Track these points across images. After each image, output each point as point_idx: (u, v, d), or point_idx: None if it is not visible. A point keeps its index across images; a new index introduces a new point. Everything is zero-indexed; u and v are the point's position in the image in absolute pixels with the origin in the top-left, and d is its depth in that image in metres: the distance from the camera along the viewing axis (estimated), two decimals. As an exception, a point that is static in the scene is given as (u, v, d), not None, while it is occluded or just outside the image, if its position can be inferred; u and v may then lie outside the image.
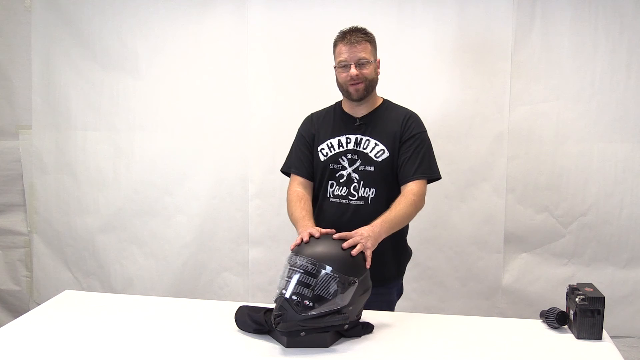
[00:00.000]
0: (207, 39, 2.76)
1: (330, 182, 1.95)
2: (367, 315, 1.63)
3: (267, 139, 2.74)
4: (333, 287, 1.48)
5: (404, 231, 1.99)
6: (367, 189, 1.90)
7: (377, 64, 1.93)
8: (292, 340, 1.48)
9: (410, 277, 2.37)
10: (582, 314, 1.54)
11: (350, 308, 1.50)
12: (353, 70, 1.85)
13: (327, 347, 1.49)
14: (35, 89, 2.94)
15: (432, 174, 1.92)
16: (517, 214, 2.65)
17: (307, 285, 1.47)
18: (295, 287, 1.48)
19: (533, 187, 2.63)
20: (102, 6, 2.83)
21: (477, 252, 2.68)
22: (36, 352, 1.47)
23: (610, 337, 1.57)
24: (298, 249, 1.57)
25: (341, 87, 1.93)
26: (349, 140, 1.94)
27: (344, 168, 1.93)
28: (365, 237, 1.60)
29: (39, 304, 1.89)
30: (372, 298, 1.62)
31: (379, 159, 1.90)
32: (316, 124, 2.02)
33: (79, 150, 2.95)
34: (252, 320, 1.56)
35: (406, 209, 1.79)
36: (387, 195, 1.89)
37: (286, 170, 2.05)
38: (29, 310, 2.03)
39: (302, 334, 1.46)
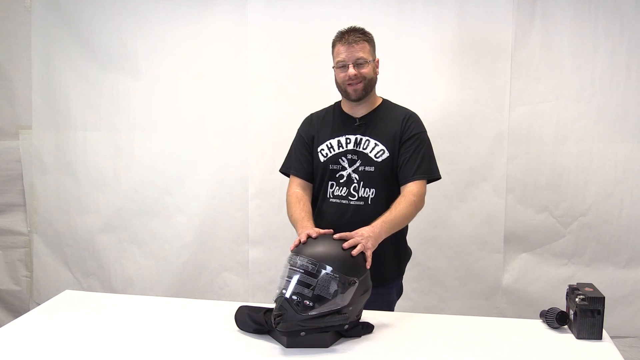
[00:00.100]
0: (207, 39, 2.76)
1: (330, 183, 1.94)
2: (367, 315, 1.63)
3: (267, 139, 2.74)
4: (333, 287, 1.48)
5: (403, 231, 1.99)
6: (367, 189, 1.90)
7: (376, 64, 1.93)
8: (292, 340, 1.48)
9: (410, 277, 2.37)
10: (582, 314, 1.54)
11: (351, 308, 1.50)
12: (351, 70, 1.85)
13: (327, 347, 1.49)
14: (35, 89, 2.94)
15: (432, 174, 1.91)
16: (517, 214, 2.65)
17: (307, 285, 1.47)
18: (295, 287, 1.48)
19: (533, 187, 2.63)
20: (102, 6, 2.83)
21: (477, 252, 2.68)
22: (36, 352, 1.47)
23: (610, 337, 1.57)
24: (298, 249, 1.57)
25: (340, 87, 1.93)
26: (348, 141, 1.94)
27: (343, 168, 1.93)
28: (365, 238, 1.60)
29: (39, 304, 1.89)
30: (372, 298, 1.62)
31: (379, 159, 1.90)
32: (316, 125, 2.02)
33: (79, 150, 2.95)
34: (252, 320, 1.56)
35: (406, 209, 1.79)
36: (387, 196, 1.89)
37: (285, 171, 2.06)
38: (29, 310, 2.03)
39: (302, 334, 1.46)
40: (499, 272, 2.68)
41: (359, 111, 1.95)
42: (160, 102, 2.84)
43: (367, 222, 1.71)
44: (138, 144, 2.89)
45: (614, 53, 2.53)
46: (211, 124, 2.81)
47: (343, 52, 1.87)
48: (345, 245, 1.56)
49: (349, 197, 1.91)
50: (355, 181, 1.91)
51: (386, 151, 1.90)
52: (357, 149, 1.92)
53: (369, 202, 1.89)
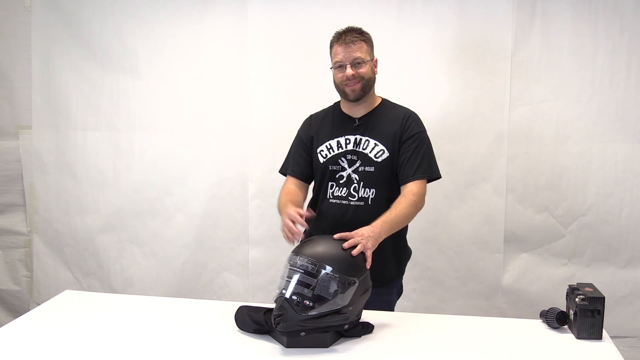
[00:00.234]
0: (207, 39, 2.76)
1: (330, 184, 1.94)
2: (367, 315, 1.63)
3: (267, 139, 2.74)
4: (333, 287, 1.48)
5: (403, 231, 1.99)
6: (367, 189, 1.90)
7: (374, 63, 1.93)
8: (292, 340, 1.48)
9: (410, 277, 2.37)
10: (582, 314, 1.54)
11: (350, 308, 1.50)
12: (349, 71, 1.85)
13: (327, 347, 1.49)
14: (35, 89, 2.94)
15: (432, 174, 1.91)
16: (517, 214, 2.65)
17: (307, 285, 1.47)
18: (295, 287, 1.48)
19: (533, 187, 2.63)
20: (102, 6, 2.83)
21: (477, 252, 2.68)
22: (36, 352, 1.47)
23: (610, 337, 1.57)
24: (298, 249, 1.57)
25: (338, 88, 1.93)
26: (348, 141, 1.94)
27: (343, 169, 1.93)
28: (365, 238, 1.60)
29: (39, 304, 1.89)
30: (372, 298, 1.62)
31: (379, 159, 1.90)
32: (315, 126, 2.02)
33: (79, 150, 2.95)
34: (252, 320, 1.56)
35: (406, 209, 1.79)
36: (387, 196, 1.89)
37: (283, 171, 2.07)
38: (29, 310, 2.03)
39: (302, 334, 1.46)
40: (499, 272, 2.68)
41: (358, 111, 1.95)
42: (160, 102, 2.84)
43: (367, 223, 1.70)
44: (138, 144, 2.89)
45: (614, 53, 2.53)
46: (211, 124, 2.81)
47: (340, 52, 1.87)
48: (345, 245, 1.56)
49: (349, 198, 1.91)
50: (355, 181, 1.91)
51: (386, 151, 1.89)
52: (357, 149, 1.92)
53: (369, 203, 1.89)
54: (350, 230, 1.63)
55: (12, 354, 1.46)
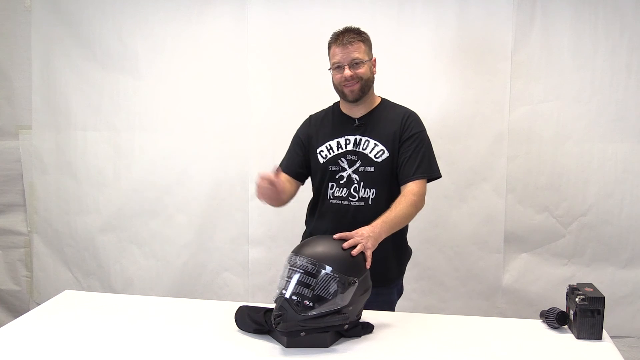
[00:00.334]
0: (207, 39, 2.76)
1: (330, 184, 1.94)
2: (368, 315, 1.63)
3: (267, 139, 2.74)
4: (333, 287, 1.48)
5: (404, 230, 1.99)
6: (367, 189, 1.90)
7: (372, 63, 1.93)
8: (292, 340, 1.48)
9: (410, 277, 2.37)
10: (582, 314, 1.54)
11: (350, 308, 1.50)
12: (347, 72, 1.85)
13: (327, 347, 1.49)
14: (35, 89, 2.94)
15: (432, 173, 1.91)
16: (517, 214, 2.65)
17: (307, 285, 1.47)
18: (295, 287, 1.48)
19: (533, 187, 2.63)
20: (102, 6, 2.83)
21: (477, 252, 2.68)
22: (36, 352, 1.47)
23: (610, 337, 1.57)
24: (298, 249, 1.57)
25: (337, 88, 1.93)
26: (348, 142, 1.93)
27: (343, 169, 1.93)
28: (365, 238, 1.60)
29: (39, 304, 1.89)
30: (373, 298, 1.62)
31: (379, 160, 1.90)
32: (314, 126, 2.02)
33: (79, 150, 2.95)
34: (252, 320, 1.56)
35: (406, 209, 1.79)
36: (387, 196, 1.88)
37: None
38: (29, 310, 2.03)
39: (302, 334, 1.46)
40: (499, 272, 2.68)
41: (357, 111, 1.95)
42: (160, 102, 2.84)
43: (368, 223, 1.70)
44: (138, 144, 2.89)
45: (614, 53, 2.53)
46: (211, 124, 2.81)
47: (338, 53, 1.86)
48: (345, 245, 1.56)
49: (350, 198, 1.91)
50: (356, 182, 1.91)
51: (386, 151, 1.89)
52: (357, 149, 1.92)
53: (370, 203, 1.89)
54: (351, 231, 1.63)
55: (12, 354, 1.46)
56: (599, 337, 1.54)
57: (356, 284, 1.51)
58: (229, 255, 2.87)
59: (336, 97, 2.02)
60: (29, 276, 3.09)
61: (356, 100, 1.90)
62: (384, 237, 1.69)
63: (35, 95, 2.94)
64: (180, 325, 1.64)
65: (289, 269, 1.52)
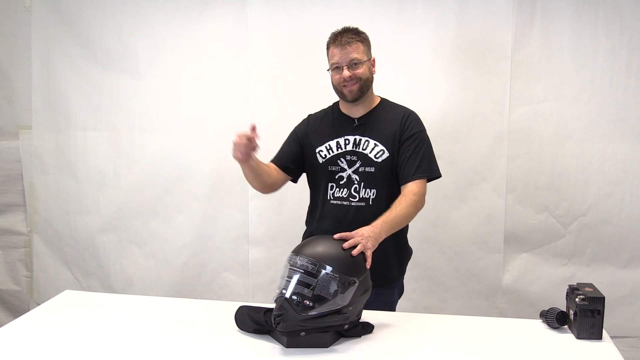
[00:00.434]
0: (207, 39, 2.76)
1: (330, 185, 1.94)
2: (368, 315, 1.63)
3: (267, 139, 2.69)
4: (333, 287, 1.48)
5: (404, 230, 1.99)
6: (368, 190, 1.90)
7: (371, 63, 1.92)
8: (292, 340, 1.48)
9: (410, 277, 2.37)
10: (582, 314, 1.54)
11: (350, 308, 1.50)
12: (346, 72, 1.85)
13: (327, 347, 1.49)
14: (35, 89, 2.94)
15: (432, 173, 1.91)
16: (517, 214, 2.65)
17: (307, 285, 1.47)
18: (295, 287, 1.48)
19: (533, 187, 2.63)
20: (102, 6, 2.83)
21: (477, 252, 2.68)
22: (36, 352, 1.47)
23: (610, 337, 1.57)
24: (298, 249, 1.57)
25: (336, 89, 1.93)
26: (347, 142, 1.93)
27: (343, 170, 1.93)
28: (365, 238, 1.60)
29: (39, 304, 1.89)
30: (374, 298, 1.62)
31: (379, 160, 1.89)
32: (312, 125, 2.02)
33: (79, 150, 2.95)
34: (252, 320, 1.56)
35: (407, 209, 1.79)
36: (388, 196, 1.88)
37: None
38: (29, 310, 2.03)
39: (302, 334, 1.46)
40: (499, 272, 2.68)
41: (357, 111, 1.95)
42: (160, 102, 2.84)
43: (368, 223, 1.70)
44: (138, 144, 2.89)
45: (614, 53, 2.53)
46: (211, 124, 2.81)
47: (337, 54, 1.86)
48: (345, 245, 1.56)
49: (350, 199, 1.91)
50: (356, 182, 1.91)
51: (386, 151, 1.89)
52: (357, 149, 1.92)
53: (370, 203, 1.89)
54: (351, 231, 1.63)
55: (12, 354, 1.46)
56: (599, 337, 1.54)
57: (356, 284, 1.51)
58: (229, 255, 2.87)
59: (336, 97, 2.02)
60: (29, 276, 3.09)
61: (355, 100, 1.90)
62: (384, 237, 1.69)
63: (35, 95, 2.94)
64: (180, 325, 1.64)
65: (289, 268, 1.52)
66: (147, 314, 1.74)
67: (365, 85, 1.89)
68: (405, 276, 2.07)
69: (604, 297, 1.55)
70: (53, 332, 1.59)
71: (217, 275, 2.90)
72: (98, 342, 1.53)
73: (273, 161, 2.02)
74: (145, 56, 2.83)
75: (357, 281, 1.51)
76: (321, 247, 1.55)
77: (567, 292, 1.65)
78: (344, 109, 1.98)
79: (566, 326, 1.62)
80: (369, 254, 1.59)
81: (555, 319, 1.61)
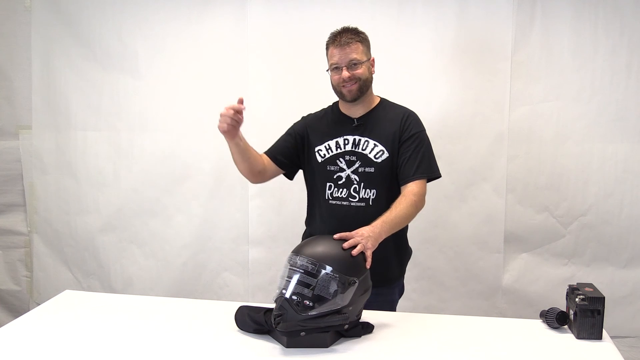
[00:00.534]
0: (207, 39, 2.76)
1: (328, 184, 1.94)
2: (368, 315, 1.63)
3: (267, 139, 2.72)
4: (333, 287, 1.48)
5: (404, 230, 1.99)
6: (367, 190, 1.90)
7: (371, 63, 1.92)
8: (292, 340, 1.48)
9: (410, 277, 2.37)
10: (582, 314, 1.54)
11: (350, 308, 1.50)
12: (345, 73, 1.84)
13: (327, 347, 1.49)
14: (35, 89, 2.94)
15: (432, 173, 1.91)
16: (517, 214, 2.65)
17: (307, 285, 1.47)
18: (295, 287, 1.48)
19: (533, 187, 2.63)
20: (102, 6, 2.83)
21: (477, 252, 2.68)
22: (36, 352, 1.47)
23: (610, 337, 1.57)
24: (298, 249, 1.57)
25: (335, 89, 1.93)
26: (347, 142, 1.93)
27: (342, 170, 1.92)
28: (365, 238, 1.60)
29: (39, 304, 1.89)
30: (374, 298, 1.62)
31: (379, 160, 1.89)
32: (311, 124, 2.02)
33: (79, 150, 2.95)
34: (252, 320, 1.56)
35: (407, 209, 1.79)
36: (388, 196, 1.88)
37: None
38: (29, 310, 2.03)
39: (302, 334, 1.46)
40: (499, 272, 2.68)
41: (356, 111, 1.95)
42: (160, 102, 2.84)
43: (368, 223, 1.70)
44: (138, 144, 2.89)
45: (614, 53, 2.53)
46: (211, 124, 2.77)
47: (336, 54, 1.86)
48: (345, 245, 1.56)
49: (350, 199, 1.91)
50: (356, 182, 1.91)
51: (386, 152, 1.89)
52: (356, 149, 1.92)
53: (370, 203, 1.89)
54: (351, 231, 1.63)
55: (12, 354, 1.46)
56: (599, 337, 1.54)
57: (356, 284, 1.51)
58: (229, 255, 2.87)
59: (336, 97, 2.01)
60: (29, 276, 3.09)
61: (354, 100, 1.90)
62: (384, 237, 1.69)
63: (35, 95, 2.94)
64: (180, 325, 1.64)
65: (289, 268, 1.52)
66: (147, 314, 1.74)
67: (364, 85, 1.89)
68: (405, 276, 2.07)
69: (604, 297, 1.55)
70: (53, 332, 1.59)
71: (217, 275, 2.90)
72: (98, 342, 1.52)
73: (265, 152, 2.02)
74: (145, 56, 2.83)
75: (357, 281, 1.51)
76: (321, 247, 1.55)
77: (567, 292, 1.65)
78: (344, 108, 1.98)
79: (566, 326, 1.62)
80: (369, 254, 1.59)
81: (555, 319, 1.61)
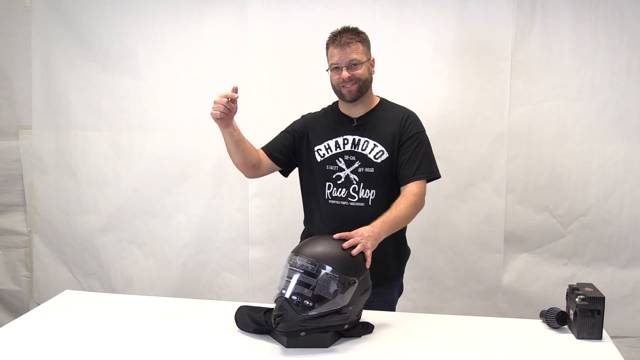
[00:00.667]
0: (207, 39, 2.76)
1: (327, 184, 1.94)
2: (368, 315, 1.63)
3: (267, 139, 2.72)
4: (333, 287, 1.48)
5: (403, 230, 1.99)
6: (367, 190, 1.90)
7: (371, 63, 1.92)
8: (292, 340, 1.48)
9: (410, 277, 2.38)
10: (582, 314, 1.54)
11: (350, 308, 1.50)
12: (345, 73, 1.84)
13: (327, 347, 1.49)
14: (35, 89, 2.94)
15: (432, 174, 1.91)
16: (517, 214, 2.65)
17: (307, 285, 1.47)
18: (295, 287, 1.48)
19: (533, 187, 2.63)
20: (102, 6, 2.83)
21: (477, 252, 2.68)
22: (36, 352, 1.47)
23: (610, 337, 1.57)
24: (298, 249, 1.57)
25: (335, 89, 1.93)
26: (346, 142, 1.93)
27: (341, 169, 1.92)
28: (365, 237, 1.60)
29: (39, 304, 1.89)
30: (374, 298, 1.62)
31: (379, 160, 1.89)
32: (310, 123, 2.02)
33: (79, 150, 2.95)
34: (252, 320, 1.56)
35: (406, 209, 1.79)
36: (387, 196, 1.88)
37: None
38: (29, 310, 2.03)
39: (302, 334, 1.46)
40: (499, 272, 2.68)
41: (356, 111, 1.95)
42: (160, 102, 2.84)
43: (368, 223, 1.70)
44: (138, 144, 2.89)
45: (614, 53, 2.53)
46: (211, 124, 2.77)
47: (336, 54, 1.86)
48: (345, 245, 1.56)
49: (349, 199, 1.91)
50: (355, 182, 1.90)
51: (385, 152, 1.89)
52: (356, 149, 1.92)
53: (370, 203, 1.89)
54: (351, 231, 1.63)
55: (12, 354, 1.46)
56: (599, 337, 1.54)
57: (356, 284, 1.51)
58: (229, 255, 2.87)
59: (336, 97, 2.01)
60: (29, 276, 3.09)
61: (354, 100, 1.90)
62: (383, 237, 1.69)
63: (35, 95, 2.94)
64: (180, 325, 1.64)
65: (289, 268, 1.52)
66: (147, 314, 1.74)
67: (364, 85, 1.89)
68: (405, 276, 2.07)
69: (604, 297, 1.55)
70: (53, 332, 1.59)
71: (217, 275, 2.90)
72: (98, 342, 1.53)
73: (262, 147, 2.03)
74: (145, 56, 2.83)
75: (356, 281, 1.51)
76: (321, 247, 1.55)
77: (567, 292, 1.65)
78: (343, 108, 1.98)
79: (566, 326, 1.62)
80: (368, 253, 1.59)
81: (555, 319, 1.61)
